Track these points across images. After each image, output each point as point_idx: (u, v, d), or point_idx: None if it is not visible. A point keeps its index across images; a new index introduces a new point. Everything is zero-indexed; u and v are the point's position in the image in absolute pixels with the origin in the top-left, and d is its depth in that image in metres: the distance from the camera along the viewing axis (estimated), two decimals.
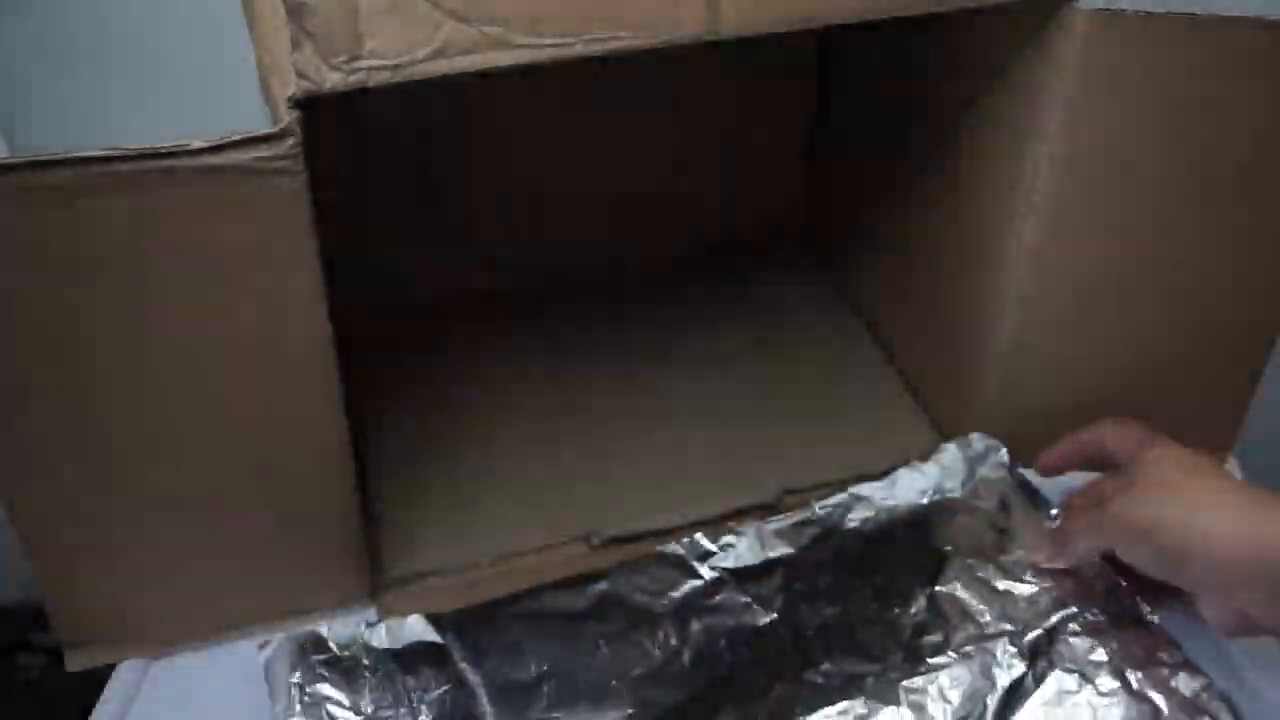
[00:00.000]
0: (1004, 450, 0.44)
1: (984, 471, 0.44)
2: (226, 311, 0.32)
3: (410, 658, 0.36)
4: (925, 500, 0.43)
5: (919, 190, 0.47)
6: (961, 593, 0.39)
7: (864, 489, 0.43)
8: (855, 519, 0.43)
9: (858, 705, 0.35)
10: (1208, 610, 0.34)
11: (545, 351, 0.54)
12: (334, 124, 0.49)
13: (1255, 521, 0.32)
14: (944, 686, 0.35)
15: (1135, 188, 0.38)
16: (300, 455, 0.36)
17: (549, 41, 0.29)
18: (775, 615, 0.38)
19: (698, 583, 0.39)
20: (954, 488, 0.43)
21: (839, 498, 0.43)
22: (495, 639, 0.37)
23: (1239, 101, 0.36)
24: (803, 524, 0.42)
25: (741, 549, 0.40)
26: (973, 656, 0.36)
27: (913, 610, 0.38)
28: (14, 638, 0.71)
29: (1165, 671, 0.36)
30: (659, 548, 0.40)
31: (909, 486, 0.43)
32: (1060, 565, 0.39)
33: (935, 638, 0.37)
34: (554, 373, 0.52)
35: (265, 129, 0.29)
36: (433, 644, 0.37)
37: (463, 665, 0.36)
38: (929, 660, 0.36)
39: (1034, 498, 0.42)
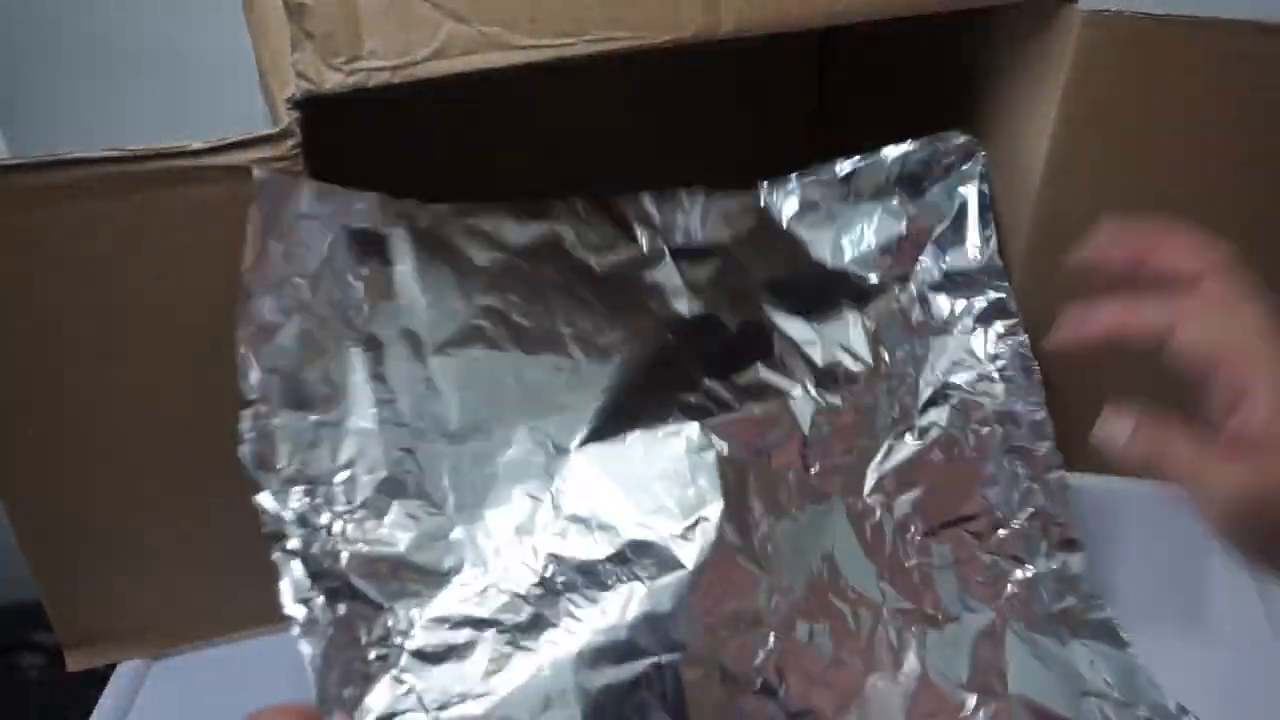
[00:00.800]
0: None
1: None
2: (225, 315, 0.32)
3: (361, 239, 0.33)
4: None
5: None
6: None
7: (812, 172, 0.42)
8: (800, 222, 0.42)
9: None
10: None
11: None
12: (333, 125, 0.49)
13: None
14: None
15: (1134, 188, 0.38)
16: None
17: (548, 42, 0.29)
18: (700, 308, 0.39)
19: (635, 253, 0.39)
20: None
21: (790, 186, 0.42)
22: (439, 252, 0.35)
23: (1236, 102, 0.36)
24: (745, 210, 0.41)
25: (687, 224, 0.40)
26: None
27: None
28: (15, 637, 0.71)
29: None
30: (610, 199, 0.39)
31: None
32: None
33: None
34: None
35: (265, 130, 0.29)
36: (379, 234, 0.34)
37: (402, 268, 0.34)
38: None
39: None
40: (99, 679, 0.39)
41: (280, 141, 0.29)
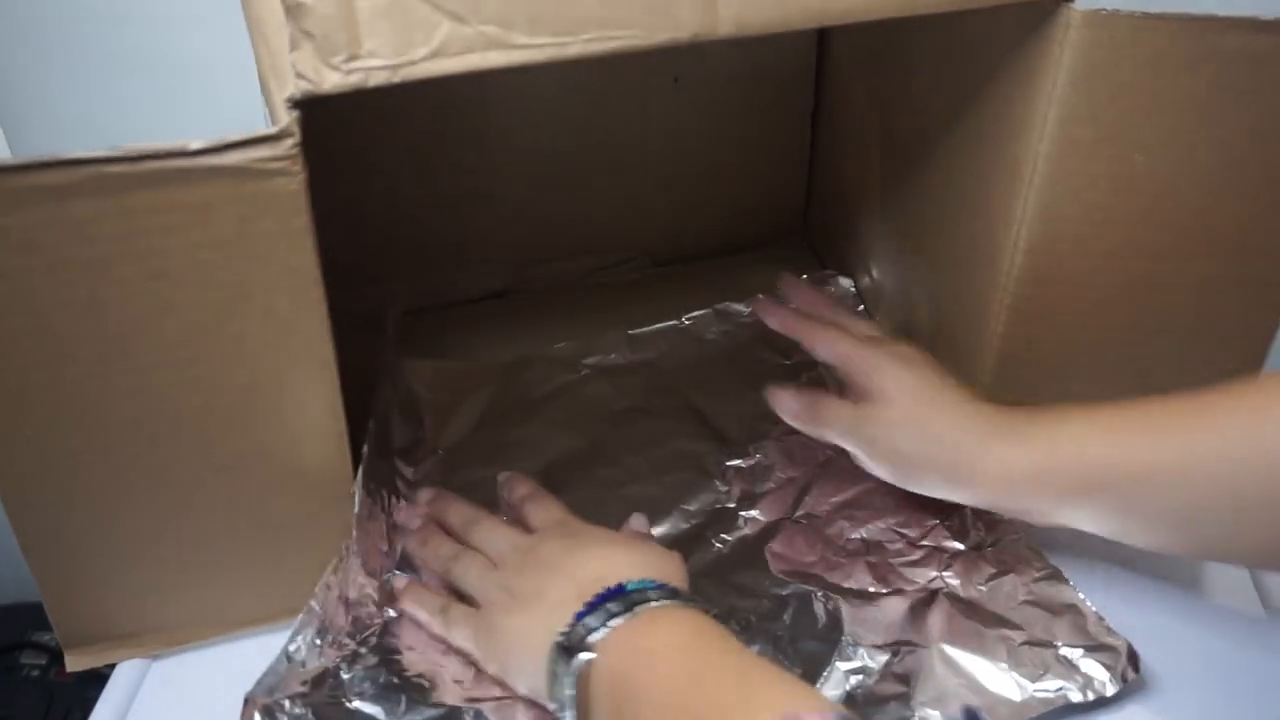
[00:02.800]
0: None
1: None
2: (226, 312, 0.32)
3: None
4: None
5: (918, 189, 0.47)
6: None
7: (729, 307, 0.54)
8: (715, 332, 0.54)
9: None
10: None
11: (546, 352, 0.54)
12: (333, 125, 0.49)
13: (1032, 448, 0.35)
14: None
15: (1133, 187, 0.38)
16: (300, 455, 0.36)
17: (547, 41, 0.29)
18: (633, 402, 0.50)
19: (572, 377, 0.51)
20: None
21: (703, 313, 0.54)
22: None
23: (1235, 100, 0.36)
24: (668, 331, 0.53)
25: (614, 355, 0.52)
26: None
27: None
28: (15, 637, 0.71)
29: None
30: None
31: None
32: (804, 428, 0.41)
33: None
34: (551, 373, 0.52)
35: (264, 130, 0.29)
36: None
37: None
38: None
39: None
40: (99, 679, 0.39)
41: (279, 141, 0.29)
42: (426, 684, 0.37)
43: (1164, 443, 0.33)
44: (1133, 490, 0.33)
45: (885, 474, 0.39)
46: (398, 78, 0.29)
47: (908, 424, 0.37)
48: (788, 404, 0.41)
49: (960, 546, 0.41)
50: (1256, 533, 0.32)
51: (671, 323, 0.55)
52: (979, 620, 0.38)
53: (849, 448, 0.39)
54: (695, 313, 0.55)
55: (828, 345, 0.41)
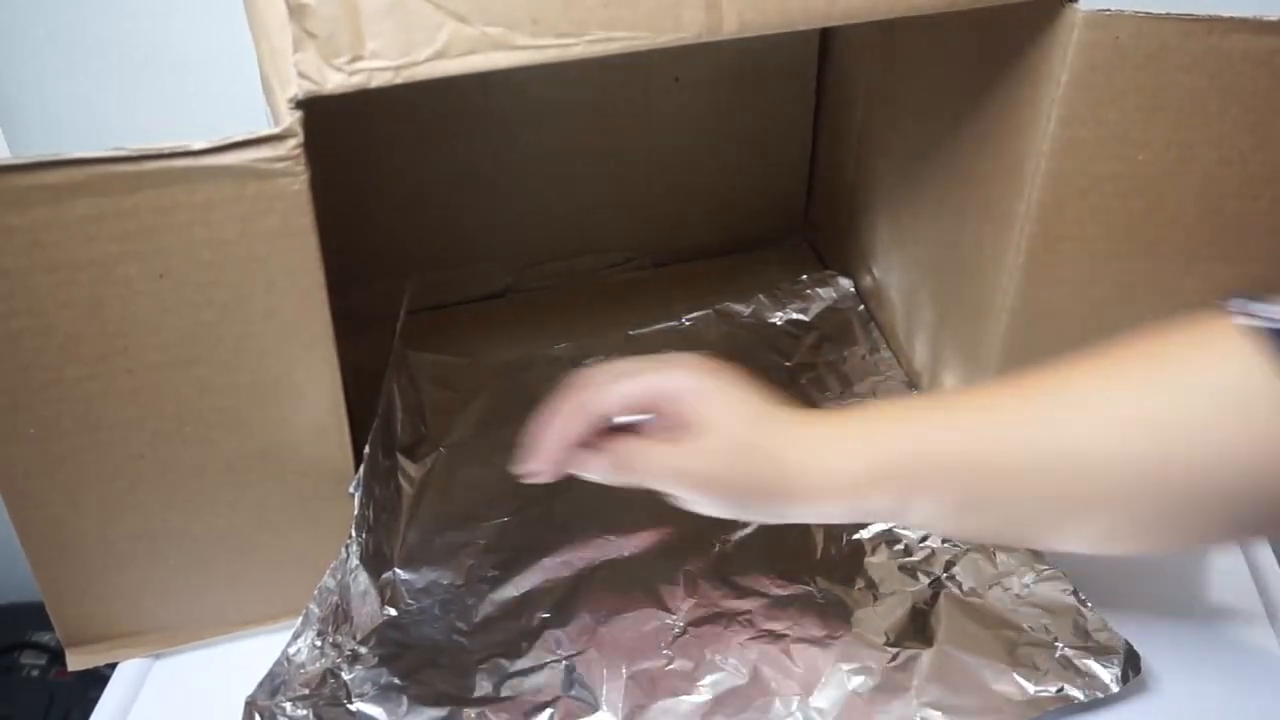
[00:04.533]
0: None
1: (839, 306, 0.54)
2: (228, 312, 0.32)
3: None
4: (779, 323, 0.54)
5: (920, 189, 0.47)
6: None
7: (729, 307, 0.54)
8: (715, 333, 0.53)
9: None
10: None
11: (546, 352, 0.54)
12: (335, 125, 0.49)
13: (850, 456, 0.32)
14: None
15: (1133, 187, 0.38)
16: (301, 455, 0.36)
17: (549, 42, 0.29)
18: None
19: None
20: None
21: (703, 313, 0.54)
22: None
23: (1235, 99, 0.36)
24: (668, 332, 0.53)
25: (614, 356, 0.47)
26: None
27: None
28: (15, 637, 0.71)
29: None
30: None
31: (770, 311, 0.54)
32: (615, 482, 0.34)
33: None
34: (552, 373, 0.52)
35: (267, 130, 0.29)
36: None
37: None
38: None
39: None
40: (100, 679, 0.39)
41: (282, 141, 0.29)
42: None
43: (1002, 431, 0.32)
44: (971, 482, 0.32)
45: (717, 508, 0.33)
46: (400, 78, 0.29)
47: (737, 450, 0.32)
48: (594, 464, 0.34)
49: (961, 547, 0.41)
50: (1094, 524, 0.31)
51: (672, 323, 0.55)
52: (980, 620, 0.38)
53: (673, 490, 0.33)
54: (695, 313, 0.55)
55: (619, 402, 0.33)
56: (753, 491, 0.33)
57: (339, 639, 0.37)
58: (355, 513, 0.38)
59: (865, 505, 0.33)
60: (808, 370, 0.52)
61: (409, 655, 0.38)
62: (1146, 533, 0.31)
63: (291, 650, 0.37)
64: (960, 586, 0.40)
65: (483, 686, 0.37)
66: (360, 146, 0.50)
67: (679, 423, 0.33)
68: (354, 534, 0.38)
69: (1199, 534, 0.32)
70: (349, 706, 0.36)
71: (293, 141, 0.29)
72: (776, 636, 0.38)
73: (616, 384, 0.33)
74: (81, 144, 0.28)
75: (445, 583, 0.41)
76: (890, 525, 0.43)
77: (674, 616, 0.39)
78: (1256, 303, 0.29)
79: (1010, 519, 0.33)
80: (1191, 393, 0.30)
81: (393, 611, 0.39)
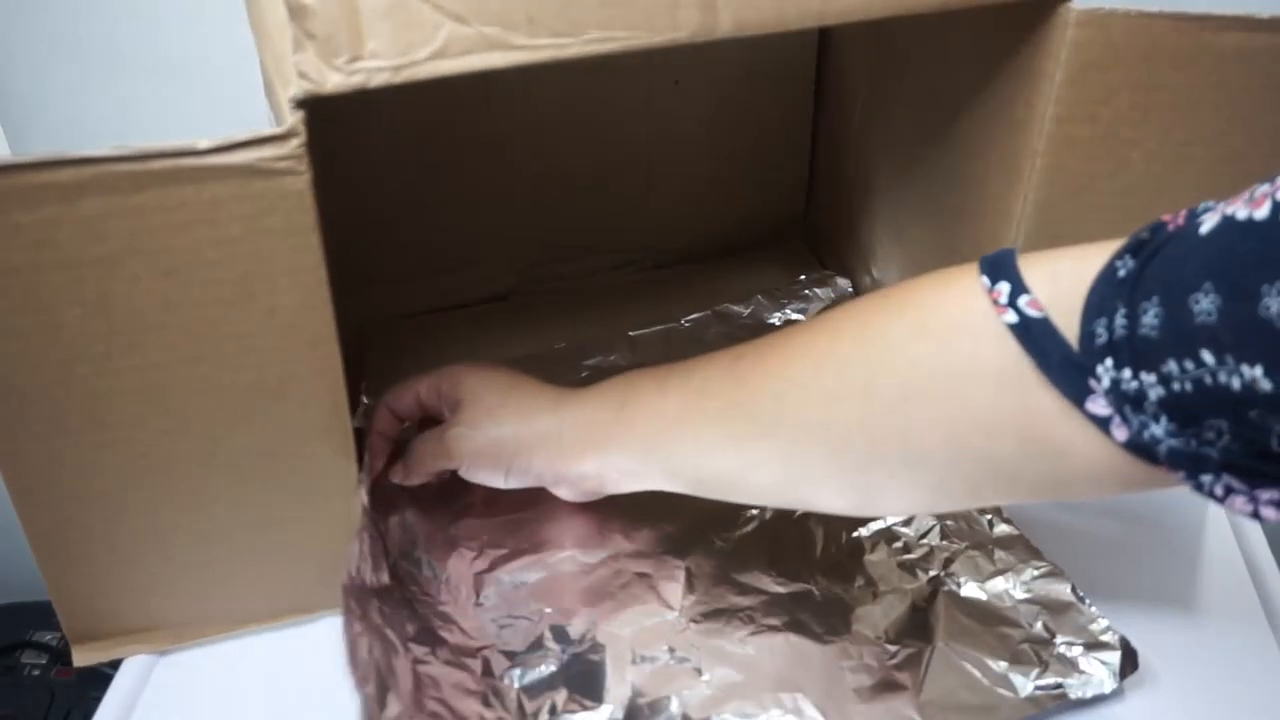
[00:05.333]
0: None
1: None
2: (232, 311, 0.32)
3: None
4: (778, 323, 0.55)
5: (916, 188, 0.48)
6: None
7: (728, 309, 0.55)
8: (714, 333, 0.54)
9: None
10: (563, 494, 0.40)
11: (547, 353, 0.54)
12: (336, 125, 0.49)
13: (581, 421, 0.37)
14: None
15: (1129, 185, 0.38)
16: (304, 455, 0.36)
17: (548, 42, 0.30)
18: None
19: (573, 379, 0.48)
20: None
21: (702, 314, 0.55)
22: None
23: (1231, 97, 0.36)
24: (667, 333, 0.54)
25: (614, 357, 0.53)
26: None
27: None
28: (16, 636, 0.71)
29: None
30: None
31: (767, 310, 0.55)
32: (411, 482, 0.42)
33: None
34: (552, 373, 0.53)
35: (271, 129, 0.29)
36: None
37: None
38: None
39: None
40: (101, 678, 0.40)
41: (286, 141, 0.29)
42: None
43: (710, 416, 0.33)
44: (685, 462, 0.35)
45: (489, 474, 0.39)
46: (399, 78, 0.29)
47: (496, 411, 0.38)
48: (398, 474, 0.42)
49: (960, 545, 0.42)
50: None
51: (671, 324, 0.55)
52: (979, 618, 0.39)
53: (455, 466, 0.40)
54: (695, 314, 0.55)
55: (411, 399, 0.41)
56: (519, 447, 0.38)
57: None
58: (359, 508, 0.38)
59: (604, 470, 0.37)
60: None
61: (404, 647, 0.38)
62: (863, 495, 0.32)
63: None
64: (959, 584, 0.40)
65: (485, 680, 0.37)
66: (362, 148, 0.50)
67: (453, 408, 0.39)
68: (357, 542, 0.38)
69: (923, 499, 0.32)
70: None
71: (295, 141, 0.29)
72: (776, 633, 0.39)
73: (409, 385, 0.41)
74: (82, 144, 0.28)
75: (445, 580, 0.41)
76: (890, 523, 0.43)
77: (675, 613, 0.39)
78: (1007, 282, 0.28)
79: (741, 489, 0.34)
80: (904, 371, 0.29)
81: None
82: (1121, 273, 0.25)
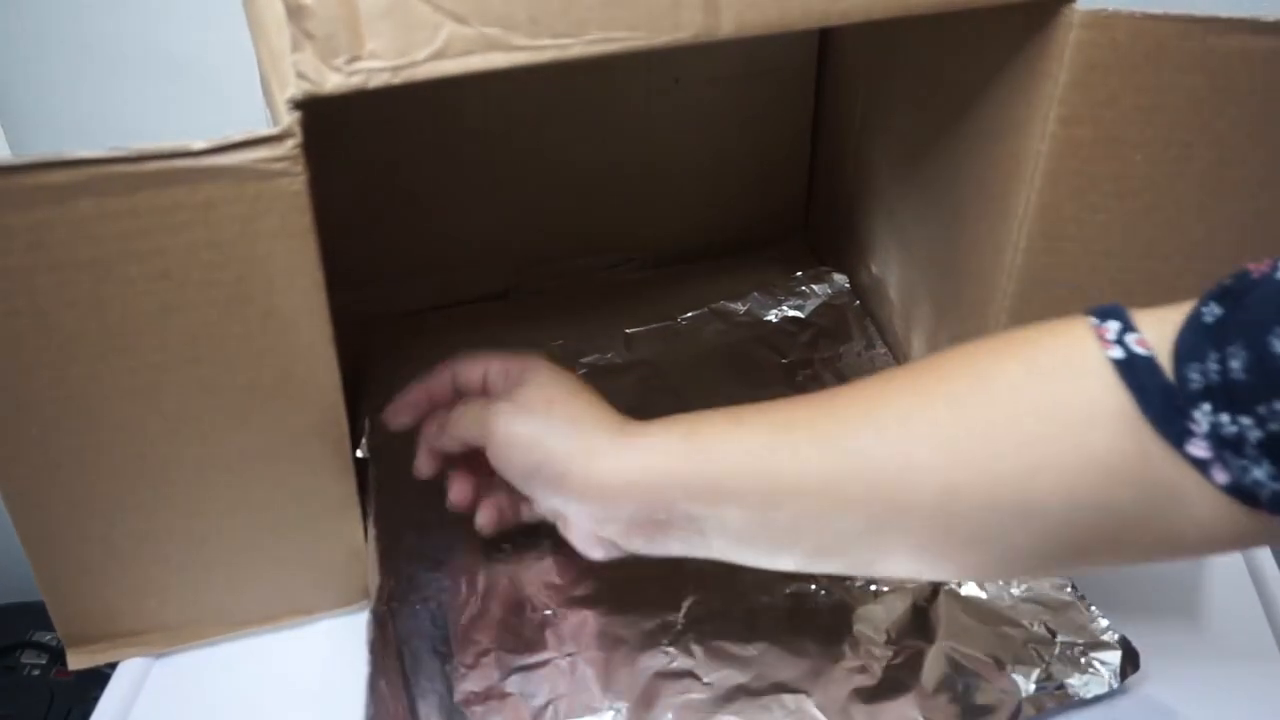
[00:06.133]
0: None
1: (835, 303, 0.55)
2: (228, 313, 0.32)
3: None
4: (775, 320, 0.54)
5: (919, 189, 0.47)
6: None
7: (724, 306, 0.55)
8: (712, 331, 0.53)
9: None
10: (572, 535, 0.35)
11: (544, 350, 0.54)
12: (334, 125, 0.49)
13: (635, 451, 0.32)
14: None
15: (1132, 186, 0.38)
16: (301, 456, 0.36)
17: (548, 43, 0.30)
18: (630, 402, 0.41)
19: None
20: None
21: (700, 312, 0.54)
22: None
23: (1234, 100, 0.36)
24: (664, 330, 0.53)
25: (611, 355, 0.52)
26: None
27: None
28: (15, 637, 0.71)
29: None
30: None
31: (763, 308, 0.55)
32: (442, 444, 0.38)
33: None
34: None
35: (267, 130, 0.29)
36: None
37: None
38: None
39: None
40: (100, 678, 0.40)
41: (281, 142, 0.29)
42: None
43: (794, 448, 0.30)
44: (754, 499, 0.30)
45: (515, 465, 0.34)
46: (399, 79, 0.29)
47: (554, 404, 0.34)
48: (431, 431, 0.39)
49: None
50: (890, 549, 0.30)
51: (668, 322, 0.55)
52: (980, 618, 0.38)
53: (485, 443, 0.35)
54: (692, 312, 0.55)
55: (479, 371, 0.37)
56: (541, 445, 0.33)
57: None
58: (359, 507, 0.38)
59: (651, 511, 0.32)
60: (804, 367, 0.52)
61: (406, 652, 0.38)
62: (958, 554, 0.29)
63: None
64: (960, 584, 0.40)
65: (484, 682, 0.37)
66: (360, 147, 0.50)
67: (513, 386, 0.36)
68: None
69: (1023, 558, 0.29)
70: None
71: (291, 142, 0.29)
72: (778, 633, 0.39)
73: (482, 358, 0.38)
74: (82, 144, 0.28)
75: (445, 580, 0.41)
76: None
77: (676, 614, 0.39)
78: (1116, 321, 0.27)
79: (815, 541, 0.31)
80: (1017, 408, 0.28)
81: (385, 608, 0.39)
82: (1208, 319, 0.25)
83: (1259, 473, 0.24)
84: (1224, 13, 0.34)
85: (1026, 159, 0.37)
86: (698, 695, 0.37)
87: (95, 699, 0.39)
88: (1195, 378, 0.25)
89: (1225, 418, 0.25)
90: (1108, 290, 0.41)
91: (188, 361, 0.32)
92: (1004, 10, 0.34)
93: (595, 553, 0.35)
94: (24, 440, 0.33)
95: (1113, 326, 0.27)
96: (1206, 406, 0.25)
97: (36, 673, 0.69)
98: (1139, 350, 0.26)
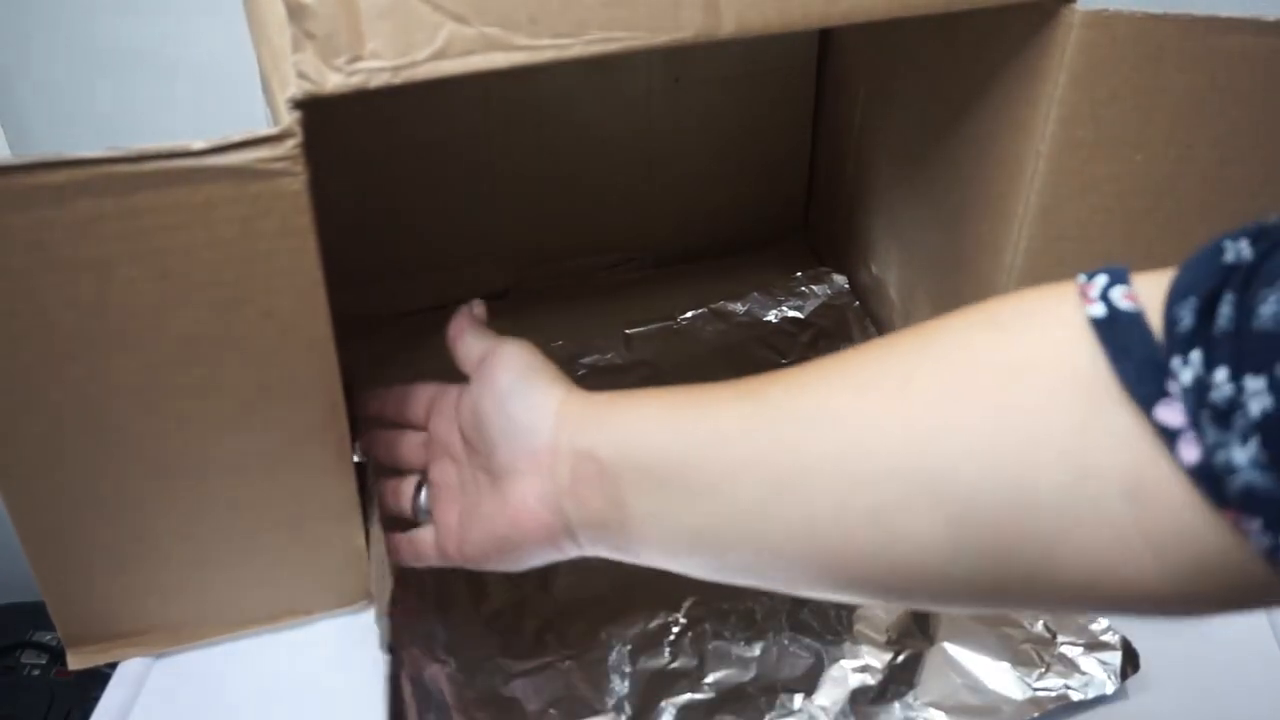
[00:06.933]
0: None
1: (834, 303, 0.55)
2: (228, 313, 0.32)
3: None
4: (774, 320, 0.54)
5: (919, 189, 0.47)
6: None
7: (724, 306, 0.55)
8: (711, 331, 0.54)
9: None
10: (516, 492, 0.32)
11: (544, 351, 0.54)
12: (334, 125, 0.49)
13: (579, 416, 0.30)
14: None
15: (1132, 187, 0.38)
16: (301, 456, 0.36)
17: (548, 42, 0.29)
18: None
19: (570, 377, 0.47)
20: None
21: (699, 312, 0.54)
22: None
23: (1234, 100, 0.36)
24: (663, 330, 0.53)
25: (611, 354, 0.53)
26: None
27: None
28: (16, 637, 0.71)
29: None
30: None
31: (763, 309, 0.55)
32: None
33: None
34: None
35: (267, 130, 0.29)
36: None
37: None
38: None
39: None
40: (101, 678, 0.40)
41: (281, 142, 0.29)
42: None
43: (739, 429, 0.26)
44: (673, 481, 0.27)
45: (504, 363, 0.33)
46: (399, 79, 0.29)
47: (511, 367, 0.33)
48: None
49: None
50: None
51: (668, 323, 0.55)
52: (980, 619, 0.38)
53: (485, 351, 0.35)
54: (691, 312, 0.55)
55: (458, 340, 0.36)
56: (503, 423, 0.31)
57: None
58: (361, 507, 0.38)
59: (576, 486, 0.29)
60: None
61: (408, 657, 0.38)
62: (853, 537, 0.24)
63: None
64: None
65: (488, 687, 0.37)
66: (360, 147, 0.50)
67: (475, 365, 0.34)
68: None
69: (928, 554, 0.23)
70: None
71: (292, 142, 0.29)
72: (778, 634, 0.39)
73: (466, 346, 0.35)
74: (82, 144, 0.28)
75: (446, 584, 0.41)
76: None
77: (676, 614, 0.39)
78: (1106, 276, 0.22)
79: (726, 507, 0.26)
80: (954, 362, 0.23)
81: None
82: (1230, 256, 0.20)
83: (1239, 454, 0.18)
84: (1224, 13, 0.34)
85: (1026, 159, 0.37)
86: (698, 695, 0.37)
87: (95, 699, 0.39)
88: (1185, 318, 0.19)
89: (1223, 374, 0.18)
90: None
91: (187, 362, 0.32)
92: (1004, 10, 0.34)
93: (534, 528, 0.31)
94: (23, 440, 0.33)
95: (1100, 281, 0.22)
96: (1196, 356, 0.19)
97: (36, 673, 0.69)
98: (1124, 305, 0.21)
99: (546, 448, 0.30)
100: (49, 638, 0.70)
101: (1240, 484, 0.18)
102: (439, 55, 0.29)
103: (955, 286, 0.45)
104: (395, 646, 0.37)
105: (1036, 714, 0.36)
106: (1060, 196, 0.38)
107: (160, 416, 0.33)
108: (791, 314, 0.56)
